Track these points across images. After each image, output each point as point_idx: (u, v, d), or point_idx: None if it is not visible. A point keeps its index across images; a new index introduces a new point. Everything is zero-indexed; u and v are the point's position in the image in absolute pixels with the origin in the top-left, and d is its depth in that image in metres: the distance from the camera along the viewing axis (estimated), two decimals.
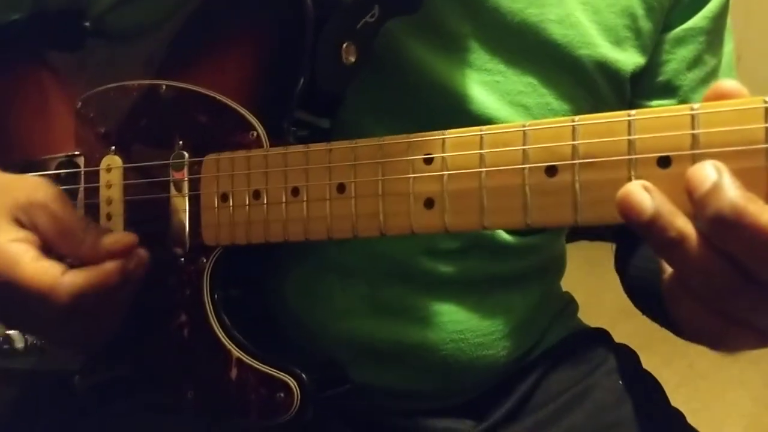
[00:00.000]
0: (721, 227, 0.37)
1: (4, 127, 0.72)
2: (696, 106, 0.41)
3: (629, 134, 0.43)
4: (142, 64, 0.66)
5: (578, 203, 0.44)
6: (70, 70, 0.70)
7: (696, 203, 0.38)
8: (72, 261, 0.58)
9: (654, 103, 0.71)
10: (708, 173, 0.38)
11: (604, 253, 0.83)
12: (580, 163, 0.44)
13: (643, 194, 0.39)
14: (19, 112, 0.71)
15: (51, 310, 0.55)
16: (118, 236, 0.59)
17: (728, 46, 0.73)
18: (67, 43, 0.70)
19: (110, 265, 0.57)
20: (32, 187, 0.59)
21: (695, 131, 0.41)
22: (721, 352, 0.57)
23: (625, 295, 0.78)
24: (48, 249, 0.57)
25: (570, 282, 0.82)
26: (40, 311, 0.56)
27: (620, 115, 0.43)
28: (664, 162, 0.42)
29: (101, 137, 0.66)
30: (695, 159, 0.41)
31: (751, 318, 0.40)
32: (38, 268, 0.55)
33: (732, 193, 0.37)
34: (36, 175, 0.64)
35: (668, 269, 0.43)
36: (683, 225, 0.39)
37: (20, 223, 0.57)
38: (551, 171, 0.45)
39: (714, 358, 0.60)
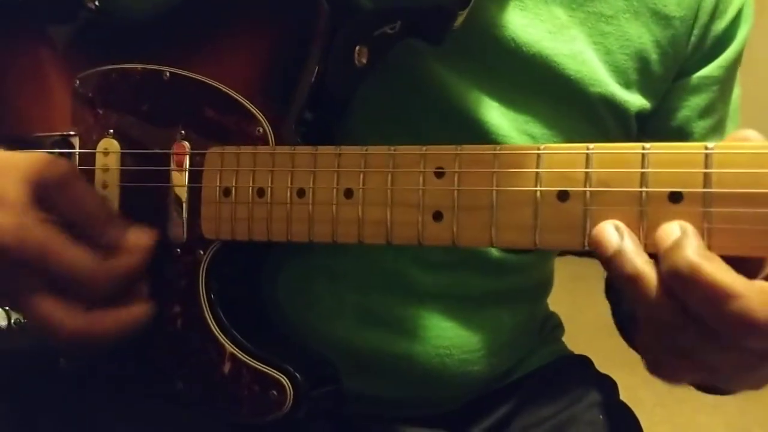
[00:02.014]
0: (678, 281, 0.41)
1: None
2: (711, 145, 0.42)
3: (643, 167, 0.44)
4: (146, 46, 0.65)
5: (588, 229, 0.45)
6: (70, 46, 0.68)
7: (660, 255, 0.42)
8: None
9: None
10: (672, 230, 0.42)
11: (589, 269, 0.83)
12: (591, 191, 0.45)
13: (611, 232, 0.44)
14: (12, 87, 0.69)
15: (91, 295, 0.56)
16: (142, 237, 0.59)
17: (735, 92, 0.74)
18: (67, 18, 0.69)
19: (138, 257, 0.58)
20: (52, 165, 0.57)
21: (708, 170, 0.42)
22: (673, 383, 0.59)
23: (607, 313, 0.78)
24: (67, 231, 0.56)
25: (553, 297, 0.82)
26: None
27: (635, 147, 0.44)
28: (676, 197, 0.43)
29: (99, 119, 0.65)
30: (706, 197, 0.42)
31: (697, 353, 0.43)
32: (75, 255, 0.55)
33: (690, 251, 0.41)
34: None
35: None
36: (641, 265, 0.43)
37: (41, 203, 0.55)
38: (563, 196, 0.46)
39: None
